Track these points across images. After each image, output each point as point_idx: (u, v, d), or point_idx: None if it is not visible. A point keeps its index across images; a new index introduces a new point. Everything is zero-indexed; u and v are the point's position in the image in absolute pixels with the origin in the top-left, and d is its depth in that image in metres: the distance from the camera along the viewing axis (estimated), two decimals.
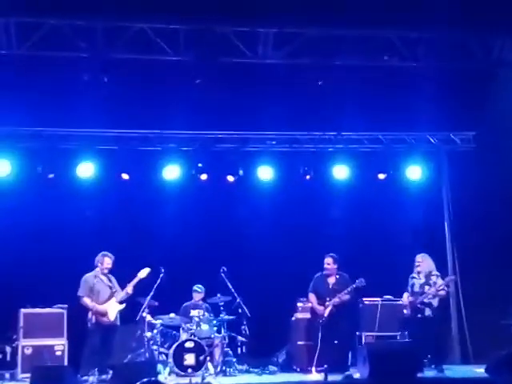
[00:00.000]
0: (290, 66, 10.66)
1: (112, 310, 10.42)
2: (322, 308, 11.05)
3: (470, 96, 11.47)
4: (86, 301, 10.40)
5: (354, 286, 10.98)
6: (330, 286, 11.24)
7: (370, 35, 10.45)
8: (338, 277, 11.27)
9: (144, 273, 10.58)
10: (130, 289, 10.55)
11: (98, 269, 10.58)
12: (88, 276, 10.59)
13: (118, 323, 10.57)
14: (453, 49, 10.83)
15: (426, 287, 10.83)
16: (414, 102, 11.28)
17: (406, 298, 10.95)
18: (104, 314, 10.35)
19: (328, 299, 11.06)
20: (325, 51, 10.41)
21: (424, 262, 11.00)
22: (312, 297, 11.30)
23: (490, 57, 10.97)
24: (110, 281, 10.65)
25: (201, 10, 9.48)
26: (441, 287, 10.82)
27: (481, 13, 10.01)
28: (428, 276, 10.92)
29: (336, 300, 11.01)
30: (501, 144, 11.87)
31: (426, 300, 10.74)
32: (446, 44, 10.77)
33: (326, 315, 10.99)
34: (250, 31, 10.32)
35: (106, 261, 10.61)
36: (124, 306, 10.55)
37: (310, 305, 11.46)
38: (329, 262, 11.28)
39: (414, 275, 11.04)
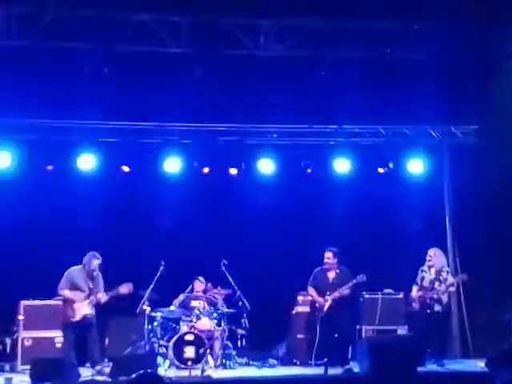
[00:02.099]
0: (292, 58, 10.62)
1: (81, 309, 10.41)
2: (322, 299, 11.04)
3: (472, 89, 11.44)
4: (65, 292, 10.42)
5: (355, 281, 10.98)
6: (330, 281, 11.24)
7: (371, 27, 10.41)
8: (338, 271, 11.27)
9: (125, 289, 10.54)
10: (104, 298, 10.54)
11: (84, 268, 10.61)
12: (72, 270, 10.61)
13: (93, 321, 10.52)
14: (455, 41, 10.80)
15: (436, 283, 10.86)
16: (416, 95, 11.23)
17: (415, 291, 10.95)
18: (73, 310, 10.36)
19: (328, 293, 11.06)
20: (326, 43, 10.39)
21: (436, 258, 11.03)
22: (311, 290, 11.29)
23: (493, 49, 10.93)
24: (92, 281, 10.60)
25: (203, 1, 9.45)
26: (451, 284, 10.84)
27: (484, 4, 9.97)
28: (439, 272, 10.93)
29: (336, 295, 11.02)
30: (503, 138, 11.84)
31: (435, 296, 10.75)
32: (449, 36, 10.74)
33: (325, 309, 11.00)
34: (252, 23, 10.29)
35: (94, 263, 10.60)
36: (92, 312, 10.50)
37: (310, 298, 11.46)
38: (329, 257, 11.28)
39: (425, 269, 11.04)
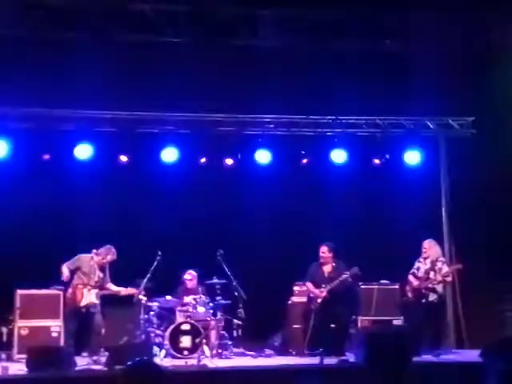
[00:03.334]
0: (290, 48, 10.60)
1: (86, 297, 10.45)
2: (317, 291, 11.05)
3: (469, 81, 11.45)
4: (64, 270, 10.45)
5: (347, 274, 10.97)
6: (326, 275, 11.24)
7: (370, 17, 10.39)
8: (334, 265, 11.25)
9: (128, 292, 10.68)
10: (124, 292, 10.70)
11: (96, 257, 10.63)
12: (83, 256, 10.63)
13: (94, 310, 10.57)
14: (452, 33, 10.79)
15: (431, 273, 10.90)
16: (413, 86, 11.24)
17: (410, 281, 10.97)
18: (82, 294, 10.40)
19: (323, 286, 11.07)
20: (324, 34, 10.38)
21: (431, 249, 11.08)
22: (309, 285, 11.31)
23: (490, 41, 10.92)
24: (103, 272, 10.70)
25: None
26: (446, 274, 10.89)
27: None
28: (434, 262, 10.98)
29: (329, 288, 11.01)
30: (500, 129, 11.85)
31: (430, 285, 10.79)
32: (446, 28, 10.73)
33: (318, 301, 11.02)
34: (250, 13, 10.27)
35: (109, 257, 10.68)
36: (97, 302, 10.57)
37: (305, 289, 11.48)
38: (324, 251, 11.26)
39: (421, 260, 11.08)
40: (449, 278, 11.04)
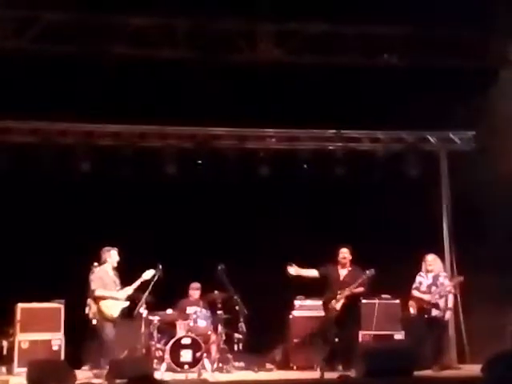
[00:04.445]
0: (290, 63, 10.64)
1: (117, 305, 10.40)
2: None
3: (471, 95, 11.46)
4: (100, 292, 10.30)
5: (365, 276, 10.71)
6: (341, 278, 10.93)
7: (369, 33, 10.43)
8: (350, 269, 10.98)
9: (148, 274, 10.54)
10: (131, 289, 10.53)
11: (107, 262, 10.59)
12: (100, 269, 10.56)
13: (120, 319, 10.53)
14: (454, 47, 10.83)
15: (433, 288, 10.88)
16: (414, 100, 11.27)
17: (413, 296, 10.92)
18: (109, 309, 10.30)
19: (339, 292, 10.75)
20: (324, 49, 10.41)
21: (435, 264, 11.06)
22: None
23: (492, 56, 10.96)
24: (117, 277, 10.67)
25: (200, 5, 9.47)
26: (448, 288, 10.88)
27: (482, 11, 10.01)
28: (436, 277, 10.97)
29: (347, 293, 10.68)
30: (501, 144, 11.86)
31: (433, 301, 10.78)
32: (447, 42, 10.77)
33: (337, 309, 10.69)
34: (250, 28, 10.31)
35: (115, 261, 10.64)
36: (127, 304, 10.52)
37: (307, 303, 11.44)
38: (344, 252, 10.99)
39: (422, 274, 11.06)
40: (452, 291, 11.03)
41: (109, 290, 10.34)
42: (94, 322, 10.34)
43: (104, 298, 10.27)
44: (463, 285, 11.29)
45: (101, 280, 10.42)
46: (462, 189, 12.37)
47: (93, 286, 10.39)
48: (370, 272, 10.72)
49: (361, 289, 10.82)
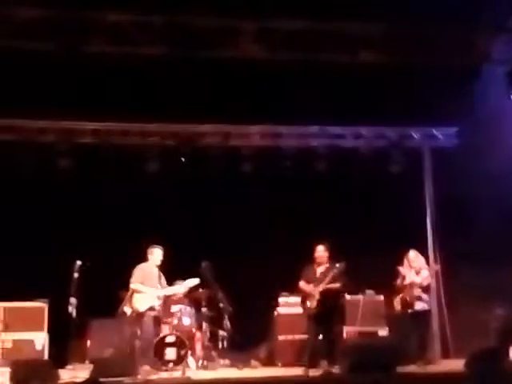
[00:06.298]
0: (271, 60, 10.60)
1: (146, 301, 10.50)
2: (311, 286, 10.58)
3: (453, 91, 11.48)
4: (134, 285, 10.53)
5: (335, 270, 10.43)
6: (318, 275, 10.71)
7: (350, 29, 10.43)
8: (328, 266, 10.72)
9: (192, 282, 10.91)
10: (163, 292, 10.76)
11: (150, 260, 10.82)
12: (144, 265, 10.77)
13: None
14: (437, 44, 10.85)
15: (416, 279, 10.97)
16: (397, 97, 11.29)
17: (396, 292, 10.98)
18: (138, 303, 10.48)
19: (313, 290, 10.52)
20: (306, 46, 10.39)
21: (417, 260, 11.13)
22: (301, 283, 10.78)
23: (475, 52, 10.99)
24: (161, 277, 10.88)
25: (180, 1, 9.41)
26: (426, 278, 10.97)
27: (465, 9, 10.04)
28: (418, 272, 11.07)
29: (320, 289, 10.45)
30: (484, 140, 11.90)
31: (415, 294, 10.84)
32: (431, 38, 10.78)
33: (313, 306, 10.47)
34: (230, 25, 10.25)
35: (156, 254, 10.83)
36: (158, 302, 10.63)
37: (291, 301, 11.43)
38: (320, 250, 10.85)
39: (405, 269, 11.11)
40: (428, 281, 11.11)
41: (146, 286, 10.54)
42: (128, 312, 10.60)
43: (137, 292, 10.49)
44: (447, 281, 11.34)
45: (141, 274, 10.62)
46: (445, 185, 12.41)
47: (131, 279, 10.61)
48: (339, 265, 10.45)
49: (336, 284, 10.53)
